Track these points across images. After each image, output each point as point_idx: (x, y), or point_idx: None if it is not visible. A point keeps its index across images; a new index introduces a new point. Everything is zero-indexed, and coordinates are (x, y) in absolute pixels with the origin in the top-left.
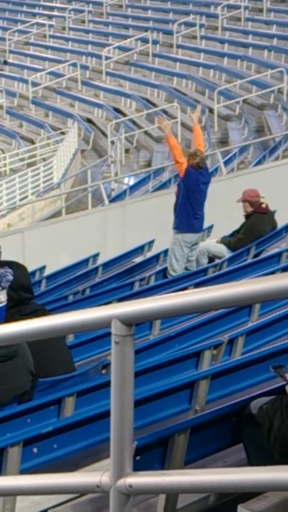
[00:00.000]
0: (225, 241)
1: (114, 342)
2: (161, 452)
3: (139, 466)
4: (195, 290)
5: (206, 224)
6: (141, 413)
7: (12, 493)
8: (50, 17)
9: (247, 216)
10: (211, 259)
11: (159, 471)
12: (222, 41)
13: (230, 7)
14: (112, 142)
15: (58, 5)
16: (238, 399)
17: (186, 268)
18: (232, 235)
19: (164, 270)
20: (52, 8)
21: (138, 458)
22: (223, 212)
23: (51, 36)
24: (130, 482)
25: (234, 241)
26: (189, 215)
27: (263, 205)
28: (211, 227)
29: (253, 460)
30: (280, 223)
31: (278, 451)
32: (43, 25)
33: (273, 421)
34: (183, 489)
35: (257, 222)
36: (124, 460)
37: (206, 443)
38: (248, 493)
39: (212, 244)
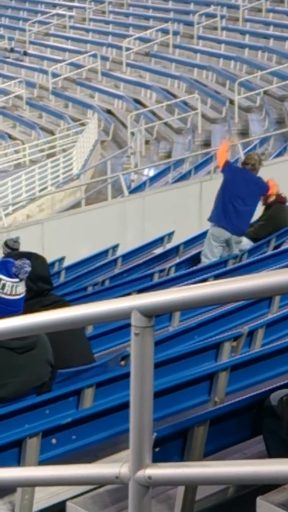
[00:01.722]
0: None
1: (134, 334)
2: (181, 443)
3: (158, 458)
4: (214, 282)
5: None
6: (161, 405)
7: (31, 484)
8: (70, 8)
9: (267, 206)
10: None
11: (179, 462)
12: (243, 32)
13: None
14: (132, 133)
15: None
16: (258, 391)
17: None
18: (251, 226)
19: (186, 261)
20: None
21: (157, 449)
22: None
23: (71, 27)
24: (149, 474)
25: (254, 228)
26: (220, 208)
27: (283, 195)
28: None
29: (272, 452)
30: None
31: None
32: (63, 16)
33: None
34: (202, 480)
35: (279, 211)
36: (143, 452)
37: (225, 435)
38: (267, 485)
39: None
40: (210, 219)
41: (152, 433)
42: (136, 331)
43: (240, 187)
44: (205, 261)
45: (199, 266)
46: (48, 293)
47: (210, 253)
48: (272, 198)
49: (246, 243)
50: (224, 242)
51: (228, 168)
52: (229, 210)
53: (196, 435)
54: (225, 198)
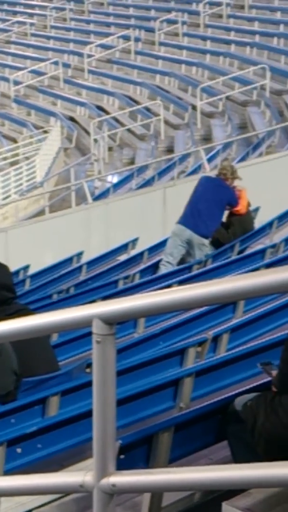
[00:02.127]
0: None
1: (96, 342)
2: (146, 450)
3: (123, 465)
4: (175, 288)
5: None
6: (126, 412)
7: None
8: (31, 15)
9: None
10: None
11: (142, 470)
12: (204, 38)
13: (212, 4)
14: (95, 140)
15: (39, 3)
16: (223, 396)
17: None
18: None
19: (150, 267)
20: (33, 7)
21: (122, 457)
22: None
23: (32, 35)
24: (113, 482)
25: (228, 237)
26: (186, 209)
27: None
28: None
29: (237, 457)
30: (264, 220)
31: (263, 448)
32: (24, 23)
33: (257, 417)
34: (167, 487)
35: (247, 217)
36: (107, 460)
37: (191, 440)
38: (232, 490)
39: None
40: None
41: (117, 441)
42: (97, 339)
43: (208, 192)
44: (165, 261)
45: (164, 272)
46: (11, 301)
47: (170, 250)
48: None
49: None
50: (185, 242)
51: (203, 179)
52: (193, 211)
53: (161, 441)
54: (193, 200)
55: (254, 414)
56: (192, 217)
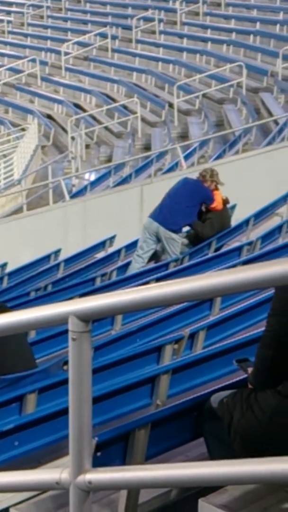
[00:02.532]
0: (191, 233)
1: (71, 339)
2: (122, 447)
3: (100, 462)
4: (151, 285)
5: None
6: (102, 409)
7: None
8: (8, 12)
9: (208, 210)
10: None
11: (119, 467)
12: (181, 36)
13: (188, 1)
14: (73, 138)
15: (17, 0)
16: (199, 393)
17: None
18: (189, 231)
19: (128, 265)
20: (10, 4)
21: (99, 454)
22: None
23: (9, 32)
24: (89, 479)
25: (206, 228)
26: (159, 204)
27: (224, 198)
28: None
29: (213, 454)
30: (241, 217)
31: (239, 444)
32: (1, 21)
33: (233, 414)
34: (143, 484)
35: (224, 213)
36: (83, 457)
37: (167, 437)
38: (209, 487)
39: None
40: None
41: (93, 438)
42: (73, 336)
43: (182, 189)
44: (135, 255)
45: (135, 266)
46: None
47: (140, 243)
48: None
49: (183, 243)
50: (154, 235)
51: (182, 179)
52: (162, 206)
53: (137, 438)
54: (165, 196)
55: (230, 411)
56: (161, 211)
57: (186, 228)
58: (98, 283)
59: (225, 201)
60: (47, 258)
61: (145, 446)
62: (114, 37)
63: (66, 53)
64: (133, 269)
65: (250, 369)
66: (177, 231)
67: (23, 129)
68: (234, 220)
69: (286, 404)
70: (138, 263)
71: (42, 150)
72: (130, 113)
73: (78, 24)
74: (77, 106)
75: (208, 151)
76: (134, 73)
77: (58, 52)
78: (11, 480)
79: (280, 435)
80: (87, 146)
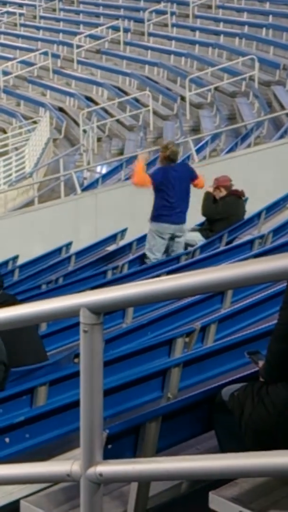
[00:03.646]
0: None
1: (83, 331)
2: (133, 440)
3: (110, 455)
4: (163, 278)
5: None
6: (114, 402)
7: None
8: (20, 5)
9: (222, 199)
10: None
11: (129, 459)
12: (193, 29)
13: None
14: (84, 131)
15: None
16: (210, 386)
17: None
18: (202, 224)
19: (139, 258)
20: None
21: (109, 446)
22: (195, 200)
23: (21, 25)
24: (100, 471)
25: (207, 208)
26: (158, 207)
27: (239, 190)
28: None
29: (224, 447)
30: (252, 210)
31: (249, 438)
32: (14, 13)
33: (244, 407)
34: (153, 476)
35: (233, 203)
36: (94, 449)
37: (178, 430)
38: (219, 480)
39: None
40: (150, 217)
41: (104, 430)
42: (84, 328)
43: (173, 187)
44: (147, 262)
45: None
46: None
47: (149, 250)
48: (224, 193)
49: (197, 238)
50: (171, 237)
51: (155, 176)
52: (171, 208)
53: (148, 431)
54: (163, 198)
55: (241, 405)
56: (178, 213)
57: (196, 222)
58: (110, 276)
59: (239, 193)
60: (58, 251)
61: (156, 438)
62: (126, 30)
63: (78, 46)
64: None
65: (261, 362)
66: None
67: (35, 122)
68: (246, 214)
69: None
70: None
71: (53, 143)
72: (142, 106)
73: (90, 17)
74: (89, 99)
75: (220, 145)
76: (146, 66)
77: (70, 45)
78: (22, 472)
79: None
80: (99, 139)
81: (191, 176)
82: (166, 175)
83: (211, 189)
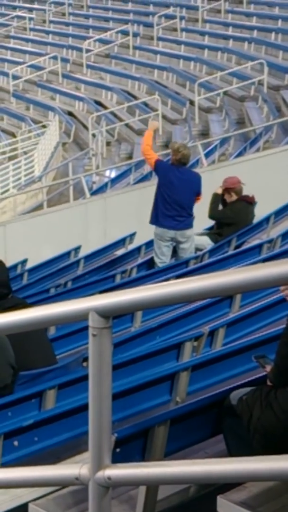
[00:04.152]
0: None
1: (92, 335)
2: (141, 444)
3: (119, 458)
4: (171, 281)
5: None
6: (122, 405)
7: None
8: (30, 10)
9: (231, 203)
10: None
11: (138, 463)
12: (202, 33)
13: None
14: (93, 135)
15: None
16: (219, 390)
17: None
18: (211, 228)
19: (148, 262)
20: (32, 1)
21: (118, 450)
22: (203, 204)
23: (31, 29)
24: (108, 474)
25: (215, 211)
26: (157, 210)
27: (250, 195)
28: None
29: (233, 451)
30: (261, 215)
31: (258, 442)
32: (23, 18)
33: (252, 412)
34: (162, 480)
35: (243, 209)
36: (102, 453)
37: (186, 434)
38: (227, 484)
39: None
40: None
41: (113, 434)
42: (93, 332)
43: (175, 189)
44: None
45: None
46: (7, 296)
47: (156, 255)
48: (234, 197)
49: (206, 242)
50: (175, 242)
51: (159, 168)
52: (170, 212)
53: (157, 435)
54: (163, 200)
55: (250, 409)
56: (179, 219)
57: (205, 226)
58: (118, 280)
59: (250, 199)
60: (67, 255)
61: (165, 442)
62: (135, 35)
63: (88, 50)
64: None
65: (268, 366)
66: (152, 222)
67: (44, 126)
68: (255, 218)
69: None
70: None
71: (63, 147)
72: (151, 110)
73: (100, 22)
74: (98, 103)
75: (229, 149)
76: (155, 71)
77: (79, 49)
78: (31, 476)
79: None
80: (108, 143)
81: (196, 190)
82: (169, 173)
83: (219, 190)
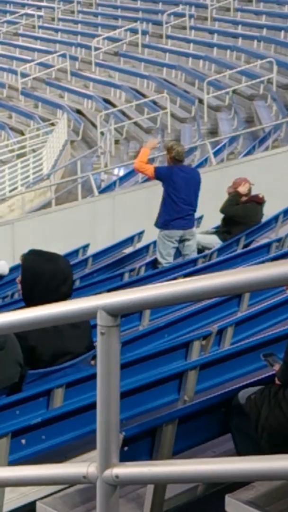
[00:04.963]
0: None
1: (100, 333)
2: (149, 442)
3: (127, 457)
4: (180, 280)
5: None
6: (130, 404)
7: (0, 485)
8: (39, 7)
9: (242, 203)
10: (201, 250)
11: (146, 461)
12: (211, 32)
13: None
14: (102, 133)
15: None
16: (227, 389)
17: None
18: (218, 227)
19: (155, 261)
20: None
21: (126, 448)
22: (213, 203)
23: (40, 27)
24: (116, 473)
25: (232, 209)
26: (166, 213)
27: (260, 195)
28: (201, 217)
29: (241, 450)
30: (270, 214)
31: (266, 441)
32: (32, 15)
33: (260, 411)
34: (170, 479)
35: (253, 209)
36: (110, 451)
37: (194, 433)
38: (235, 483)
39: (202, 235)
40: (155, 223)
41: (121, 432)
42: (102, 330)
43: (180, 187)
44: (158, 267)
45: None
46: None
47: (160, 255)
48: (244, 198)
49: (215, 242)
50: (181, 240)
51: (161, 172)
52: (178, 211)
53: (164, 434)
54: (171, 200)
55: (258, 408)
56: (185, 217)
57: (213, 224)
58: (126, 278)
59: (260, 199)
60: (75, 253)
61: (172, 441)
62: (144, 33)
63: (96, 48)
64: None
65: (277, 365)
66: (160, 226)
67: (52, 124)
68: (263, 217)
69: None
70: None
71: (71, 145)
72: (160, 109)
73: (109, 20)
74: (107, 101)
75: (238, 147)
76: (164, 69)
77: (88, 47)
78: (38, 474)
79: None
80: (117, 142)
81: (199, 185)
82: (172, 173)
83: (241, 189)
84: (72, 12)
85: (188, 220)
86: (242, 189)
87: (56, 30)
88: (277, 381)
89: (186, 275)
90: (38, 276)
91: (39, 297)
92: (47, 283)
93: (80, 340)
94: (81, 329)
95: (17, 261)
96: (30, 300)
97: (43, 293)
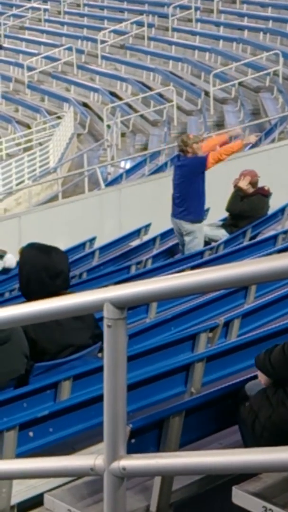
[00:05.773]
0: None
1: (107, 326)
2: (156, 434)
3: (134, 449)
4: (187, 272)
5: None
6: (137, 396)
7: (8, 477)
8: (45, 1)
9: (247, 197)
10: (207, 242)
11: (153, 453)
12: (217, 24)
13: None
14: (108, 126)
15: None
16: (234, 381)
17: None
18: (225, 219)
19: (163, 252)
20: None
21: (133, 441)
22: (219, 195)
23: (46, 20)
24: (123, 465)
25: (236, 206)
26: (202, 204)
27: (266, 188)
28: (207, 210)
29: (248, 442)
30: (276, 206)
31: (267, 440)
32: (38, 9)
33: (258, 413)
34: (177, 471)
35: (259, 202)
36: (117, 443)
37: (201, 425)
38: (243, 475)
39: (209, 228)
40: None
41: (128, 425)
42: (108, 323)
43: (174, 176)
44: None
45: (176, 257)
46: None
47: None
48: (251, 190)
49: (221, 234)
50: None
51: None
52: (173, 201)
53: (171, 426)
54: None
55: (255, 411)
56: (175, 205)
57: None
58: (133, 271)
59: (265, 192)
60: (82, 246)
61: (179, 433)
62: (150, 25)
63: (103, 41)
64: None
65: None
66: (194, 220)
67: (59, 117)
68: (270, 209)
69: None
70: None
71: (77, 138)
72: (166, 102)
73: (115, 12)
74: (113, 94)
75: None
76: (170, 62)
77: (94, 41)
78: (46, 466)
79: None
80: (123, 135)
81: (201, 166)
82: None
83: (241, 183)
84: (78, 5)
85: (175, 210)
86: (242, 183)
87: (62, 24)
88: (263, 382)
89: (193, 267)
90: (32, 268)
91: (35, 291)
92: (39, 275)
93: (82, 331)
94: (83, 320)
95: None
96: (27, 295)
97: (38, 286)
